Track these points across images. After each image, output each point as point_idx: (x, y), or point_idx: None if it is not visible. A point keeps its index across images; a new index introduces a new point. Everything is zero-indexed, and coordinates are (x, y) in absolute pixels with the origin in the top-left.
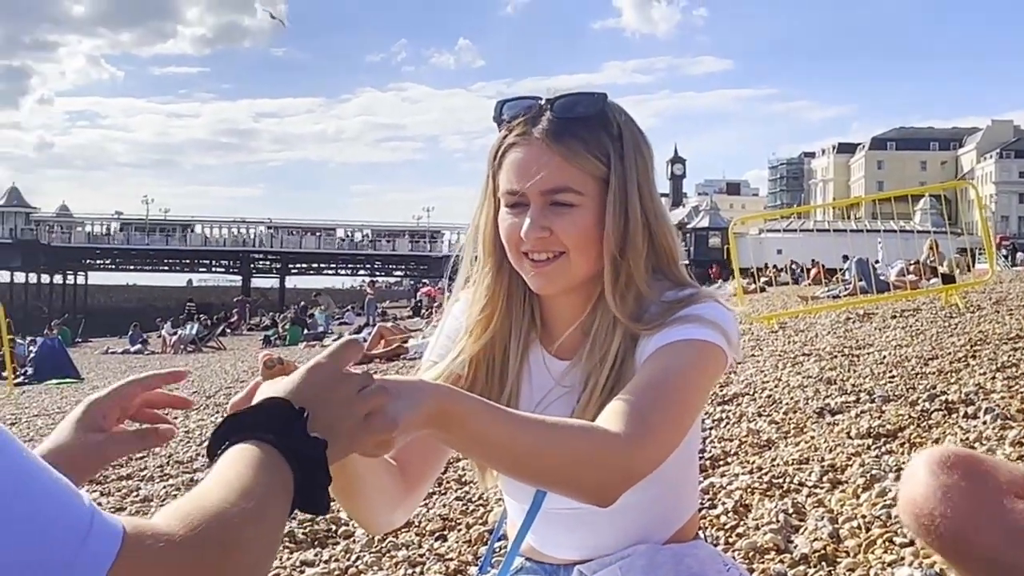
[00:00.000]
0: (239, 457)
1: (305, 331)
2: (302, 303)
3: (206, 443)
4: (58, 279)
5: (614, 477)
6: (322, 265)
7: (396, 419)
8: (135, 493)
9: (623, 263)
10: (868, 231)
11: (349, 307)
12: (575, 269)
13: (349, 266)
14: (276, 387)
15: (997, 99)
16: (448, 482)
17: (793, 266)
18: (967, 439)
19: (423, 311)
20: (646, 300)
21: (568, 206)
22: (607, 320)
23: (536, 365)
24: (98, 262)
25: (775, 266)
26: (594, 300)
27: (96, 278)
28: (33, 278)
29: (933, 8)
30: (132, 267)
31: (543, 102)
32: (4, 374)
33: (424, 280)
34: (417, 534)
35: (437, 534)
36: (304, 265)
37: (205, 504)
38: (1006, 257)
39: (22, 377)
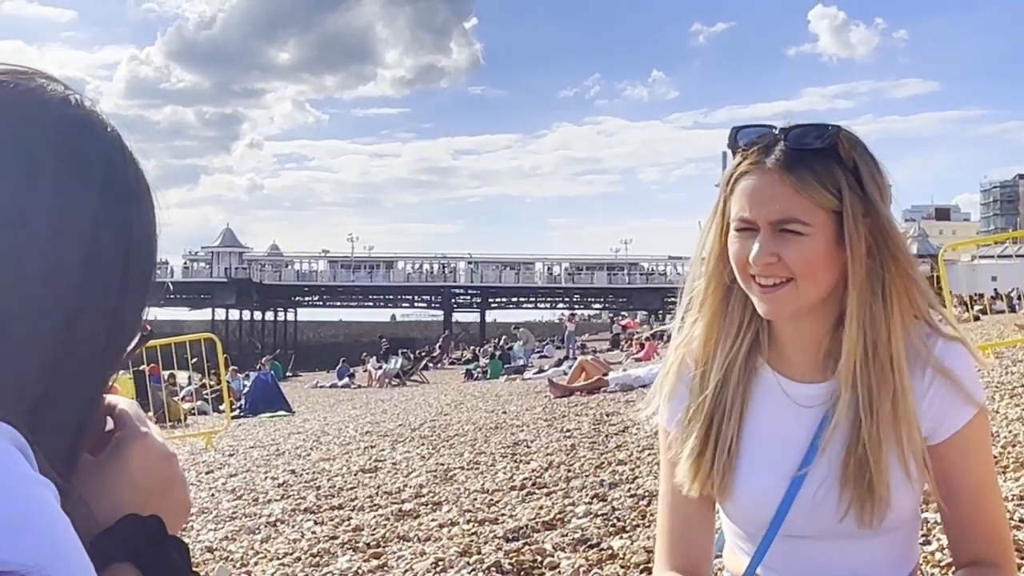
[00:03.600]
0: None
1: (506, 364)
2: (502, 336)
3: (413, 474)
4: (269, 316)
5: None
6: (521, 299)
7: None
8: (347, 522)
9: (873, 291)
10: None
11: (549, 340)
12: (803, 296)
13: (548, 299)
14: (121, 491)
15: None
16: (652, 515)
17: (1011, 293)
18: None
19: (622, 343)
20: (894, 336)
21: (797, 234)
22: (857, 348)
23: (768, 386)
24: (306, 299)
25: (991, 294)
26: (833, 326)
27: (305, 314)
28: (247, 315)
29: None
30: (338, 303)
31: (777, 131)
32: (222, 407)
33: (623, 312)
34: (622, 567)
35: (642, 567)
36: (504, 299)
37: None
38: None
39: (238, 410)
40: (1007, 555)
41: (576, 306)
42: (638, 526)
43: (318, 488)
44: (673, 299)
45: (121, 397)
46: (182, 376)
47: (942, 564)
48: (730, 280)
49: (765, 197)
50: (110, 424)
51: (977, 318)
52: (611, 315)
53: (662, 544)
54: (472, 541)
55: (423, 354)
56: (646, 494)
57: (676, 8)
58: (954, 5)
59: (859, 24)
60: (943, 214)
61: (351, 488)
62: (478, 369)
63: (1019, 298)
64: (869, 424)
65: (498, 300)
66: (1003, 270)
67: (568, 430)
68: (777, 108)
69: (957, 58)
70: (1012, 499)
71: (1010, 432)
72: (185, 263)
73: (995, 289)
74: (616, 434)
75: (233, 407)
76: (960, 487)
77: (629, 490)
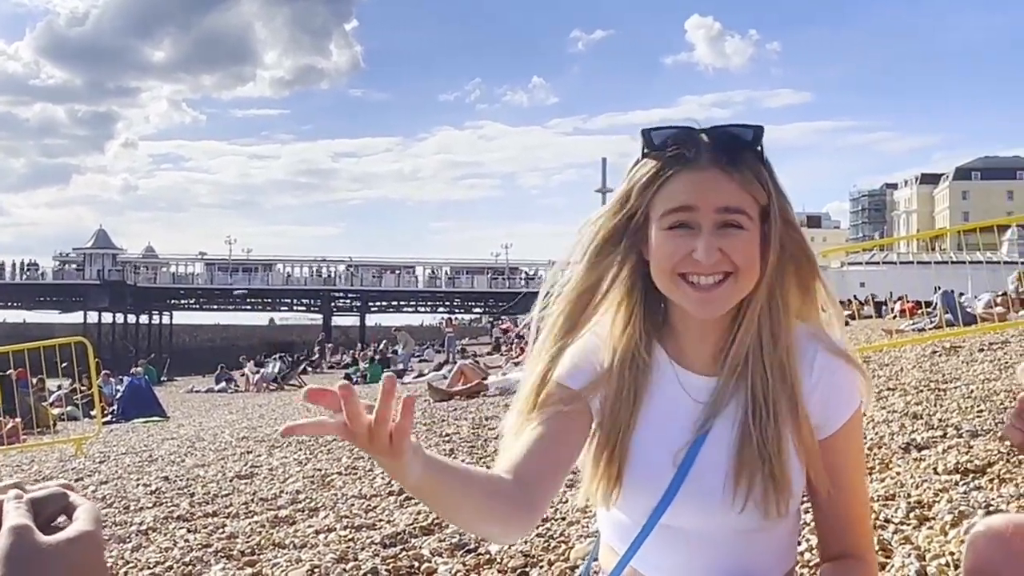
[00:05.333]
0: None
1: (385, 369)
2: (382, 341)
3: (290, 480)
4: (144, 319)
5: None
6: (402, 303)
7: None
8: (221, 530)
9: (777, 288)
10: (953, 263)
11: (429, 344)
12: (740, 291)
13: (428, 303)
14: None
15: None
16: None
17: (877, 299)
18: None
19: (503, 347)
20: (785, 329)
21: (738, 228)
22: (754, 341)
23: (665, 377)
24: (182, 302)
25: (858, 298)
26: (736, 320)
27: (180, 317)
28: (120, 318)
29: (1014, 33)
30: (215, 306)
31: (702, 130)
32: (93, 413)
33: (503, 317)
34: (499, 571)
35: (519, 571)
36: (384, 303)
37: None
38: None
39: (110, 416)
40: (871, 549)
41: (457, 310)
42: None
43: (192, 495)
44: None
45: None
46: (52, 381)
47: (811, 564)
48: (629, 276)
49: (711, 192)
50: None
51: (847, 323)
52: (492, 319)
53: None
54: (349, 547)
55: (302, 358)
56: None
57: (555, 15)
58: (825, 19)
59: (734, 35)
60: (815, 221)
61: (226, 495)
62: (358, 373)
63: (886, 304)
64: (766, 417)
65: (378, 304)
66: (871, 276)
67: (447, 434)
68: (655, 116)
69: (828, 70)
70: (878, 499)
71: (876, 434)
72: (56, 265)
73: (870, 295)
74: (495, 438)
75: (105, 412)
76: (838, 481)
77: None
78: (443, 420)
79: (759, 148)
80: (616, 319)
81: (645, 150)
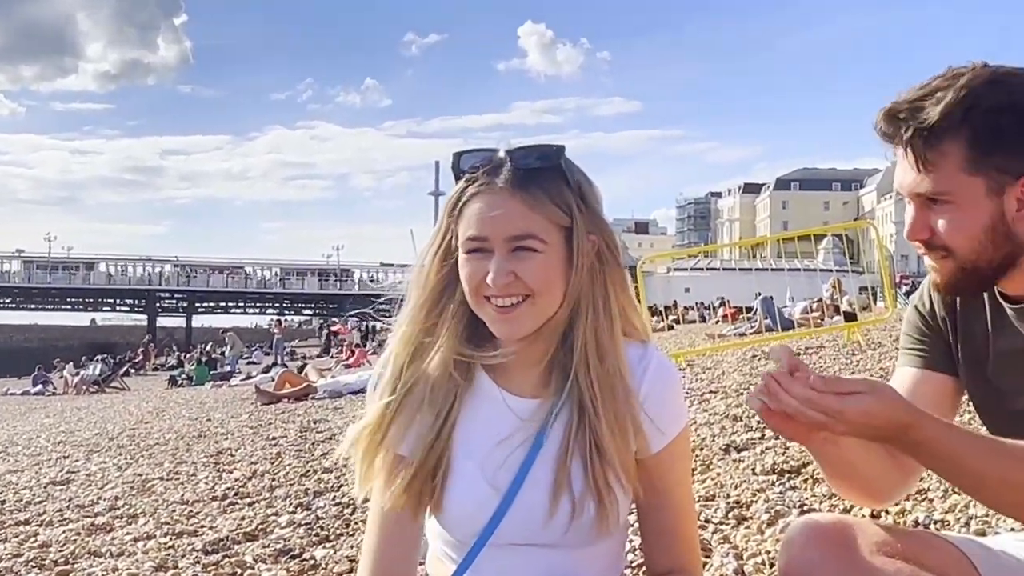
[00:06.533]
0: None
1: (212, 371)
2: (210, 342)
3: (108, 485)
4: None
5: None
6: (230, 304)
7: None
8: (33, 539)
9: (600, 305)
10: (773, 270)
11: (257, 346)
12: (540, 313)
13: (258, 305)
14: None
15: None
16: (356, 523)
17: (701, 304)
18: None
19: (332, 349)
20: (617, 347)
21: (532, 251)
22: (579, 360)
23: (490, 400)
24: None
25: (679, 303)
26: (557, 342)
27: None
28: None
29: (831, 51)
30: (33, 306)
31: (502, 153)
32: None
33: (333, 319)
34: None
35: None
36: (212, 304)
37: None
38: (906, 295)
39: None
40: (698, 564)
41: (287, 312)
42: (342, 535)
43: (2, 503)
44: (385, 306)
45: None
46: None
47: (634, 564)
48: (446, 299)
49: (499, 217)
50: None
51: (671, 327)
52: (322, 321)
53: (366, 555)
54: (169, 555)
55: (124, 360)
56: (351, 502)
57: (389, 17)
58: (654, 30)
59: (566, 43)
60: (642, 228)
61: (40, 502)
62: (183, 375)
63: (710, 309)
64: (592, 435)
65: (206, 304)
66: (695, 282)
67: (274, 438)
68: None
69: (657, 80)
70: (699, 500)
71: (698, 436)
72: None
73: (688, 300)
74: (323, 441)
75: None
76: (665, 498)
77: (334, 498)
78: (270, 423)
79: (561, 168)
80: (438, 343)
81: (454, 173)
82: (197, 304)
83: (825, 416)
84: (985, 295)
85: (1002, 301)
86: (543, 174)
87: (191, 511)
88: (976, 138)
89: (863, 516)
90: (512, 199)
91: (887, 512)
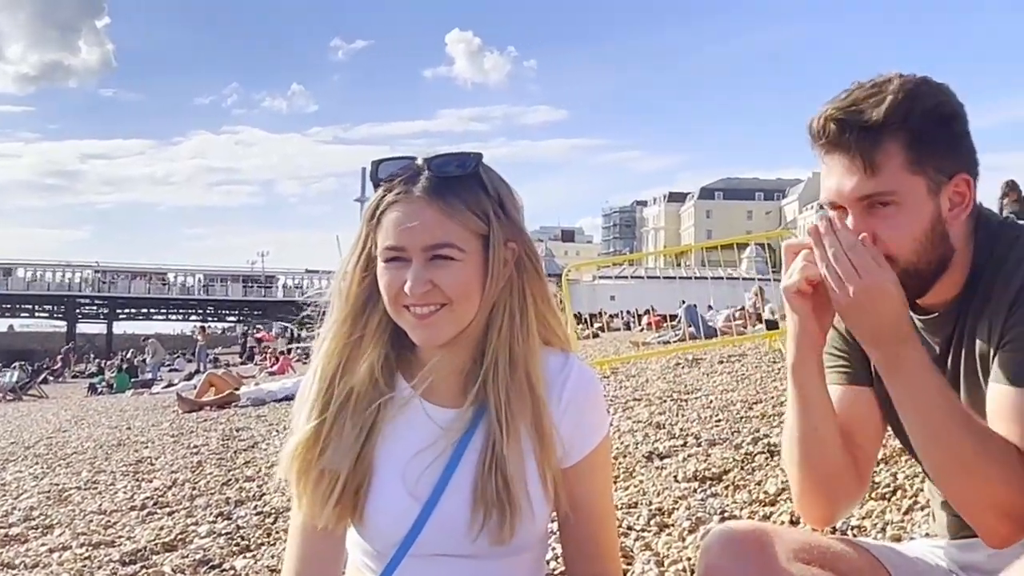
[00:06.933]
0: None
1: (133, 378)
2: (131, 349)
3: (23, 495)
4: None
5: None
6: (152, 310)
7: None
8: None
9: (517, 314)
10: (697, 278)
11: (180, 353)
12: (459, 320)
13: (181, 311)
14: None
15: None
16: (277, 532)
17: (626, 312)
18: (787, 481)
19: (256, 357)
20: (531, 356)
21: (449, 259)
22: (499, 369)
23: (413, 412)
24: None
25: (605, 311)
26: (476, 350)
27: None
28: None
29: (755, 61)
30: None
31: (420, 162)
32: None
33: (258, 325)
34: None
35: None
36: (133, 310)
37: None
38: None
39: None
40: (618, 571)
41: (210, 318)
42: (263, 544)
43: None
44: (310, 313)
45: None
46: None
47: (555, 573)
48: (370, 309)
49: (416, 225)
50: None
51: (597, 335)
52: (246, 328)
53: (288, 569)
54: (85, 566)
55: (43, 367)
56: (272, 511)
57: (316, 22)
58: (580, 39)
59: (493, 51)
60: (568, 236)
61: None
62: (103, 383)
63: (634, 316)
64: (508, 444)
65: (128, 311)
66: (620, 290)
67: (195, 446)
68: (416, 127)
69: (584, 89)
70: (621, 507)
71: (621, 443)
72: None
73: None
74: (245, 450)
75: None
76: (585, 508)
77: (256, 507)
78: (192, 431)
79: (479, 176)
80: (364, 355)
81: (372, 182)
82: (118, 310)
83: (853, 271)
84: None
85: (911, 313)
86: (460, 182)
87: (109, 521)
88: (916, 138)
89: (782, 523)
90: (429, 208)
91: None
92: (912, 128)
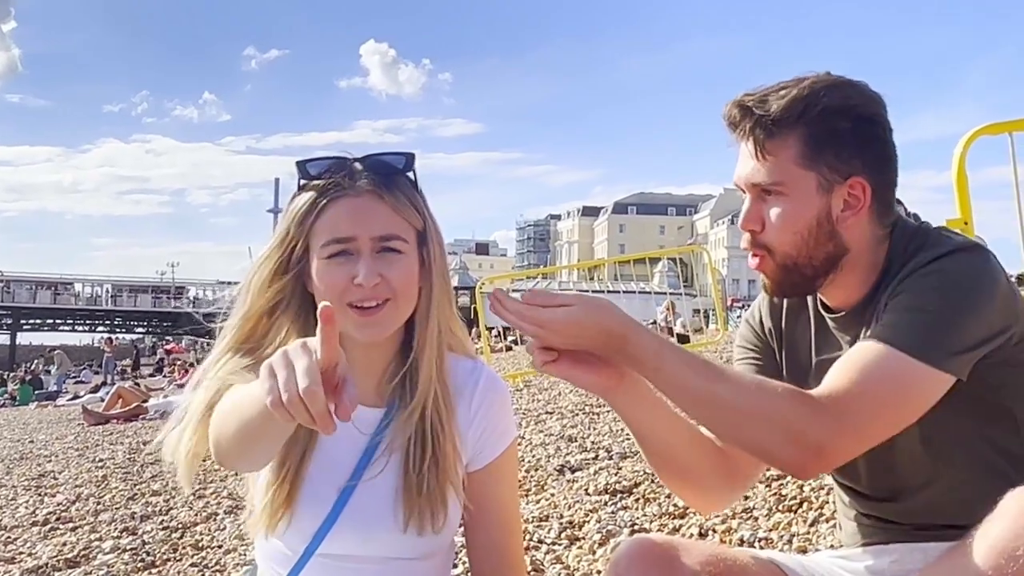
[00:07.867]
0: None
1: (37, 391)
2: (35, 360)
3: None
4: None
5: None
6: (58, 321)
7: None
8: None
9: (435, 315)
10: (610, 291)
11: (86, 365)
12: (400, 315)
13: (87, 322)
14: None
15: (729, 167)
16: (184, 547)
17: None
18: None
19: (165, 369)
20: (444, 358)
21: (397, 252)
22: (419, 369)
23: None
24: None
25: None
26: (397, 350)
27: None
28: None
29: (667, 78)
30: None
31: (354, 159)
32: None
33: (168, 336)
34: None
35: None
36: (38, 320)
37: None
38: (738, 317)
39: None
40: None
41: (119, 329)
42: (169, 560)
43: None
44: (221, 325)
45: None
46: None
47: None
48: (282, 312)
49: (368, 217)
50: None
51: (510, 348)
52: (155, 339)
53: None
54: None
55: None
56: (180, 526)
57: (228, 31)
58: (496, 52)
59: (408, 63)
60: (483, 248)
61: None
62: (5, 395)
63: None
64: (428, 446)
65: (32, 321)
66: None
67: (101, 460)
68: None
69: (498, 103)
70: (532, 520)
71: (534, 457)
72: None
73: None
74: (152, 464)
75: None
76: (492, 514)
77: (162, 522)
78: (97, 444)
79: (412, 174)
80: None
81: (302, 181)
82: (22, 321)
83: (537, 327)
84: (810, 307)
85: (823, 312)
86: (400, 178)
87: (9, 537)
88: (812, 135)
89: (690, 536)
90: (379, 200)
91: (714, 531)
92: (810, 124)
